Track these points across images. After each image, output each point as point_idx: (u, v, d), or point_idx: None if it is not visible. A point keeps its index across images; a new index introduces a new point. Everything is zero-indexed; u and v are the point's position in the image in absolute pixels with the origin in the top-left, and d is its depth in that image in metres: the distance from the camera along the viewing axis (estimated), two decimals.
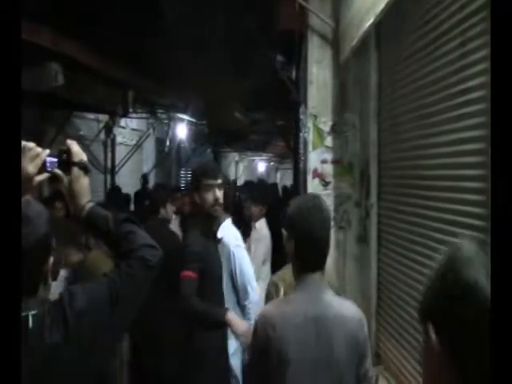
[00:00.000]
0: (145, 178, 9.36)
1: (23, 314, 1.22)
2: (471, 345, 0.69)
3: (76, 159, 1.51)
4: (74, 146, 1.52)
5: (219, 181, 2.72)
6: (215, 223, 2.86)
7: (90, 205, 1.51)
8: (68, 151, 1.52)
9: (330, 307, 1.70)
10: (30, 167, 1.40)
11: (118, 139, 9.16)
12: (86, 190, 1.52)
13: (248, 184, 7.62)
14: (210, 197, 2.67)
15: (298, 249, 1.74)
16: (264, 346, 1.67)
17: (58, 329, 1.25)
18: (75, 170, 1.50)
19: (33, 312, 1.24)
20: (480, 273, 0.70)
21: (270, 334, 1.66)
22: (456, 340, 0.71)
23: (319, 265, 1.75)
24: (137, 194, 7.03)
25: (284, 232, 1.80)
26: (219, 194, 2.69)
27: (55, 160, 1.50)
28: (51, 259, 1.32)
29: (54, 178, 1.51)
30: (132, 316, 1.47)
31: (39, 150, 1.45)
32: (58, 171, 1.50)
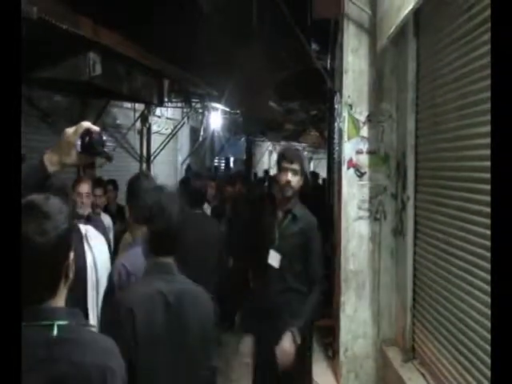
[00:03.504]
0: (189, 167, 9.67)
1: (48, 322, 1.19)
2: None
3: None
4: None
5: (294, 165, 2.86)
6: None
7: None
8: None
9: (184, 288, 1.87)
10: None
11: (154, 128, 9.28)
12: None
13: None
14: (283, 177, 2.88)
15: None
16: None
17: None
18: None
19: (61, 322, 1.20)
20: None
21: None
22: None
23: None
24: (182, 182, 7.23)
25: None
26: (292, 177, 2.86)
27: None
28: (71, 255, 1.28)
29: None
30: None
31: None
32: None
